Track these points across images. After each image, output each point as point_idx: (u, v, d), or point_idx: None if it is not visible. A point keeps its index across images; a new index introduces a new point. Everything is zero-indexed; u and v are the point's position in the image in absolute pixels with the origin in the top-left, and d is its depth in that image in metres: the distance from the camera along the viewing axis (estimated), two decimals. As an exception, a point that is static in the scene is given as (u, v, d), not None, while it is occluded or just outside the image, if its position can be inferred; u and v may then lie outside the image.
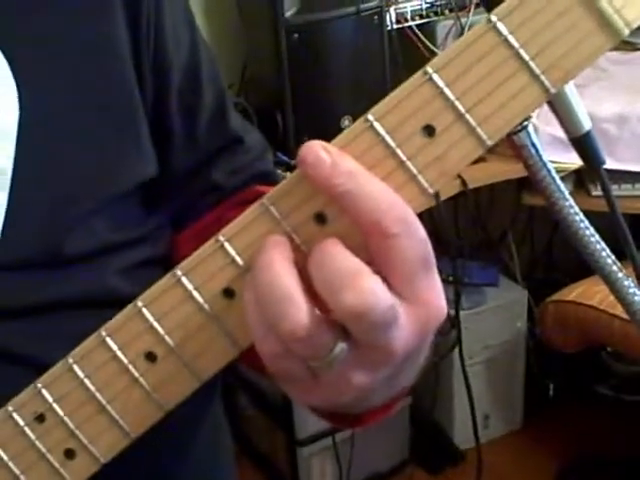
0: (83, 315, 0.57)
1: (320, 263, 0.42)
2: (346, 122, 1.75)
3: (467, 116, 0.42)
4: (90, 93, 0.62)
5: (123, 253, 0.64)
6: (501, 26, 0.41)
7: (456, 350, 2.00)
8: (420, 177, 0.43)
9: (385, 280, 0.43)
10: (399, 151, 0.43)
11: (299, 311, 0.42)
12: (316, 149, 0.43)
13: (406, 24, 1.85)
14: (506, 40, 0.41)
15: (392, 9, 1.82)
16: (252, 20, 1.84)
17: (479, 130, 0.42)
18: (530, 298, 2.17)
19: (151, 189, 0.68)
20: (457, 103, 0.42)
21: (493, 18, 0.41)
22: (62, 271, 0.60)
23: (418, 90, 0.42)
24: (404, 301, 0.43)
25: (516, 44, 0.41)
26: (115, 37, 0.63)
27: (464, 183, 1.77)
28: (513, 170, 1.82)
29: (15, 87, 0.58)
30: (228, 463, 0.78)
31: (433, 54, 1.83)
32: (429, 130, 0.42)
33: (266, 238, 0.44)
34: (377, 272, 0.42)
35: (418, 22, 1.86)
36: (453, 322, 1.98)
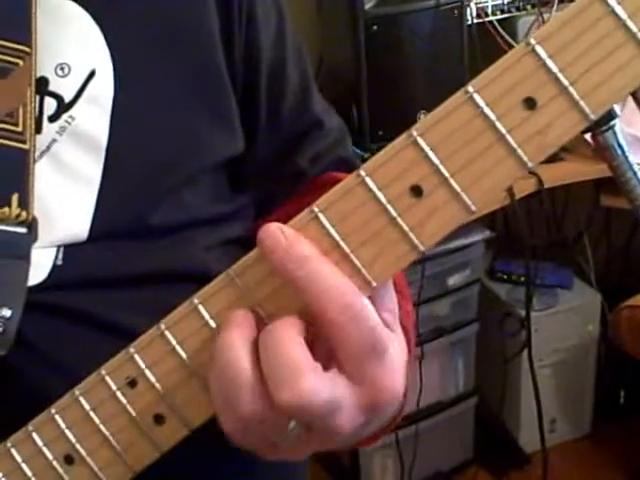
0: (172, 288, 0.57)
1: (265, 347, 0.44)
2: (421, 117, 1.74)
3: (570, 89, 0.41)
4: (181, 71, 0.63)
5: (211, 229, 0.64)
6: (609, -3, 0.40)
7: (525, 352, 1.97)
8: (520, 151, 0.42)
9: (335, 360, 0.44)
10: (499, 124, 0.42)
11: (250, 396, 0.43)
12: (274, 232, 0.44)
13: (487, 19, 1.83)
14: (613, 11, 0.40)
15: (473, 3, 1.81)
16: (330, 11, 1.84)
17: (582, 104, 0.41)
18: (604, 302, 2.12)
19: (237, 170, 0.68)
20: (560, 75, 0.41)
21: (600, -11, 0.40)
22: (151, 244, 0.61)
23: (520, 62, 0.42)
24: (353, 383, 0.44)
25: (624, 15, 0.40)
26: (206, 22, 0.64)
27: (540, 182, 1.74)
28: (591, 170, 1.79)
29: (110, 60, 0.59)
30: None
31: (513, 50, 1.81)
32: (530, 103, 0.42)
33: (230, 313, 0.46)
34: (329, 351, 0.44)
35: (499, 17, 1.84)
36: (523, 323, 1.96)
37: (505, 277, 2.08)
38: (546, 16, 1.80)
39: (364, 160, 1.52)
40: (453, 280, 1.92)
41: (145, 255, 0.61)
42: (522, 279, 1.97)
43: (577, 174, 1.80)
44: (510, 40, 1.83)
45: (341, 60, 1.80)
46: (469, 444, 2.14)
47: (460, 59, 1.77)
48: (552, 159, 1.88)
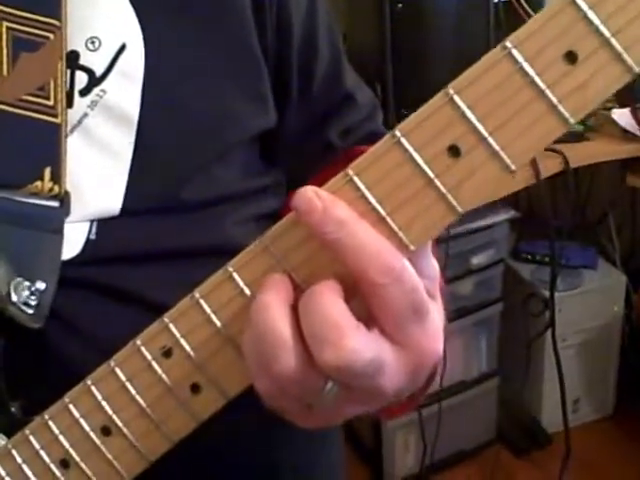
0: (204, 263, 0.57)
1: (307, 309, 0.43)
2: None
3: (613, 40, 0.40)
4: (212, 44, 0.62)
5: (244, 204, 0.64)
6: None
7: (549, 332, 1.96)
8: (560, 107, 0.41)
9: (377, 323, 0.43)
10: (538, 79, 0.41)
11: (290, 356, 0.43)
12: (309, 195, 0.43)
13: (513, -4, 1.82)
14: None
15: (499, -20, 1.79)
16: (355, -11, 1.83)
17: (626, 56, 0.40)
18: (628, 283, 2.11)
19: (269, 144, 0.68)
20: (602, 27, 0.40)
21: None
22: (184, 219, 0.61)
23: (560, 14, 0.40)
24: (395, 345, 0.44)
25: None
26: None
27: (566, 162, 1.72)
28: (618, 150, 1.78)
29: (141, 34, 0.59)
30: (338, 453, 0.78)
31: (540, 28, 1.79)
32: (571, 57, 0.41)
33: (266, 277, 0.45)
34: (370, 314, 0.43)
35: (526, -5, 1.82)
36: (547, 304, 1.95)
37: (529, 257, 2.08)
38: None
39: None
40: (477, 260, 1.91)
41: (178, 230, 0.61)
42: (546, 259, 1.97)
43: (603, 154, 1.78)
44: (537, 18, 1.81)
45: (366, 39, 1.79)
46: (491, 423, 2.14)
47: (486, 38, 1.75)
48: (578, 139, 1.86)
